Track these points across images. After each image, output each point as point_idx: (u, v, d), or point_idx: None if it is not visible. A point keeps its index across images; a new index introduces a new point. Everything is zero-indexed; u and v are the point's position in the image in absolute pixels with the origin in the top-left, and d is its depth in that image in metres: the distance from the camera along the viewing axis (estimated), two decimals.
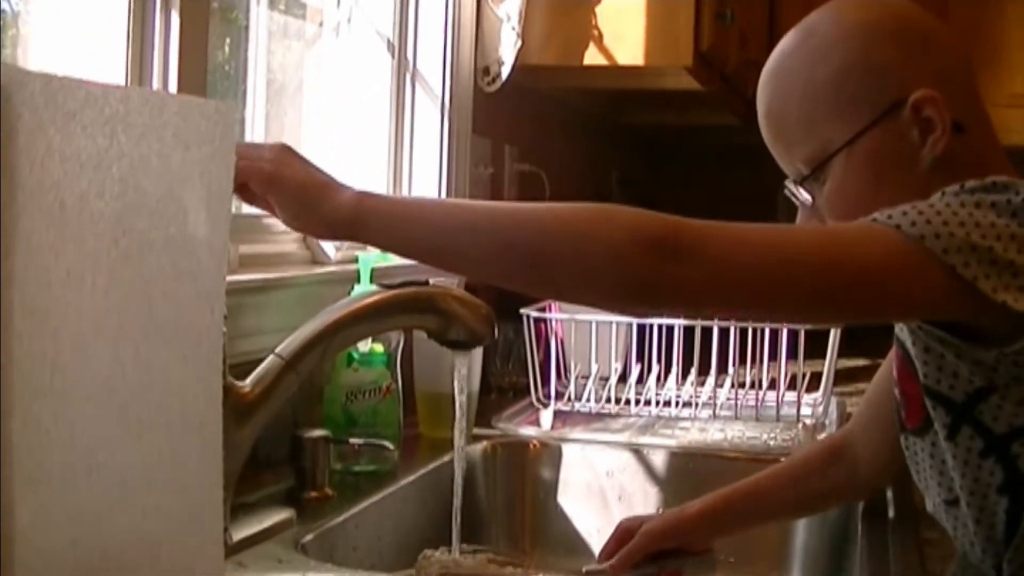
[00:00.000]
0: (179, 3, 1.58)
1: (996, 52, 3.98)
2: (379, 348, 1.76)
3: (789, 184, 1.40)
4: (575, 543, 1.97)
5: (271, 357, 1.35)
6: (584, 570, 1.62)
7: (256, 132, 2.03)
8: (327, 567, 1.32)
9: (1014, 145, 3.72)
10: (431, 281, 1.44)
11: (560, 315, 2.21)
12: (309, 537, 1.43)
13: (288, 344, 1.36)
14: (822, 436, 2.03)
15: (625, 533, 1.64)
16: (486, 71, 2.49)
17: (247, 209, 1.93)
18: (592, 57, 2.51)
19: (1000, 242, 1.14)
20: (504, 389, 2.39)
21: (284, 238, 1.98)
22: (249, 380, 1.34)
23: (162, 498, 0.99)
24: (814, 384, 2.24)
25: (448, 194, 2.41)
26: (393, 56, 2.36)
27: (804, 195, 1.37)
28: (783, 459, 1.82)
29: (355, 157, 2.33)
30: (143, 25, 1.57)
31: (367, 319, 1.39)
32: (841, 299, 1.17)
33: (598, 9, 2.51)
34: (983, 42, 3.99)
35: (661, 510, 1.93)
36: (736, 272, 1.12)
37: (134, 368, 0.94)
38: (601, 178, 3.92)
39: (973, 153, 1.32)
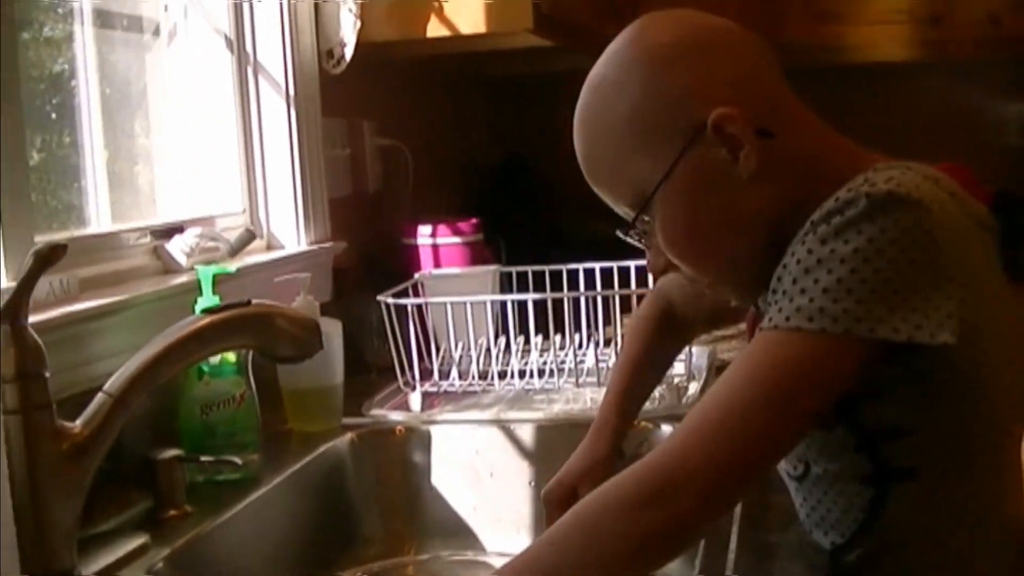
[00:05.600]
0: None
1: None
2: (230, 357, 1.77)
3: (621, 232, 1.39)
4: (452, 524, 2.00)
5: (100, 395, 1.36)
6: None
7: (96, 145, 2.03)
8: None
9: (879, 61, 3.79)
10: (253, 300, 1.45)
11: (415, 300, 2.23)
12: (160, 563, 1.44)
13: (115, 380, 1.36)
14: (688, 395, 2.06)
15: (561, 506, 1.61)
16: (330, 54, 2.49)
17: (92, 229, 1.96)
18: (435, 28, 2.52)
19: (895, 283, 1.16)
20: (383, 368, 2.40)
21: (135, 251, 1.98)
22: (79, 421, 1.34)
23: None
24: None
25: (302, 178, 2.42)
26: (233, 52, 2.35)
27: (637, 240, 1.38)
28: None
29: (206, 157, 2.34)
30: None
31: (192, 347, 1.40)
32: (803, 419, 1.20)
33: None
34: None
35: (533, 483, 1.97)
36: (710, 467, 1.16)
37: None
38: (472, 135, 3.91)
39: (791, 153, 1.31)
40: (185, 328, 1.39)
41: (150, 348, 1.38)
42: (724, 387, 1.20)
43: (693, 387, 2.13)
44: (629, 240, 1.39)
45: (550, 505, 1.64)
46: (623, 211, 1.37)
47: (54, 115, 1.99)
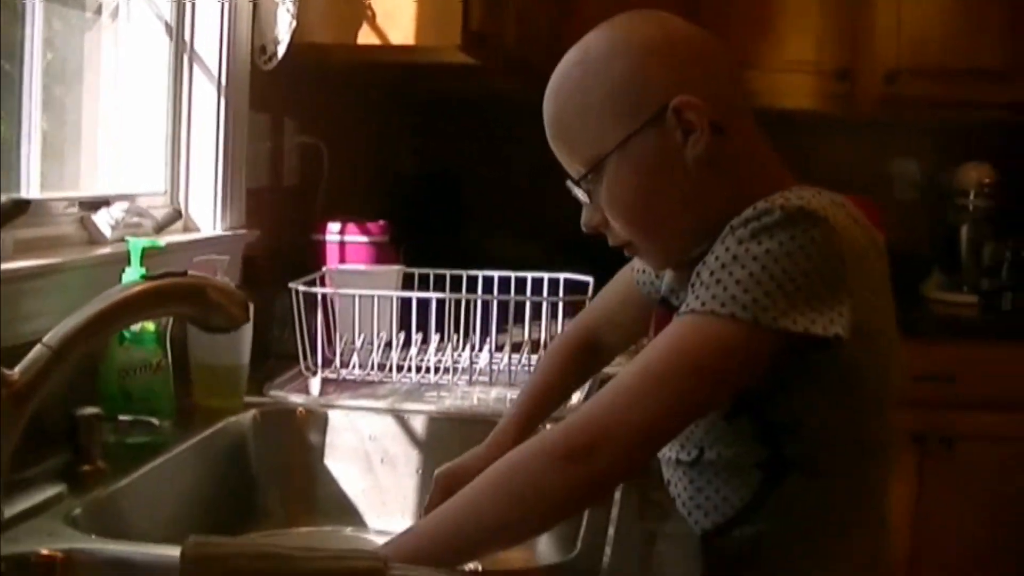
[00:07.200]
0: None
1: (772, 20, 4.18)
2: (150, 327, 1.87)
3: (570, 184, 1.58)
4: (342, 504, 2.11)
5: (39, 347, 1.45)
6: None
7: (33, 118, 2.11)
8: (91, 539, 1.43)
9: (789, 108, 3.95)
10: (189, 271, 1.55)
11: (326, 289, 2.34)
12: (79, 510, 1.53)
13: (55, 333, 1.45)
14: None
15: (449, 486, 1.74)
16: (263, 50, 2.59)
17: (25, 194, 2.04)
18: (366, 36, 2.64)
19: (799, 282, 1.35)
20: (282, 356, 2.50)
21: (62, 220, 2.07)
22: (17, 369, 1.43)
23: None
24: None
25: (225, 166, 2.52)
26: (171, 38, 2.45)
27: (583, 194, 1.56)
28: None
29: (135, 137, 2.43)
30: None
31: (132, 310, 1.49)
32: (711, 392, 1.38)
33: None
34: (761, 11, 4.18)
35: (420, 471, 2.09)
36: (630, 429, 1.32)
37: None
38: (391, 144, 4.02)
39: (734, 152, 1.52)
40: (127, 291, 1.48)
41: (91, 307, 1.46)
42: (644, 360, 1.37)
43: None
44: (576, 192, 1.57)
45: (438, 484, 1.77)
46: (575, 170, 1.56)
47: None
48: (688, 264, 1.57)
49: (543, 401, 1.92)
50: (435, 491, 1.77)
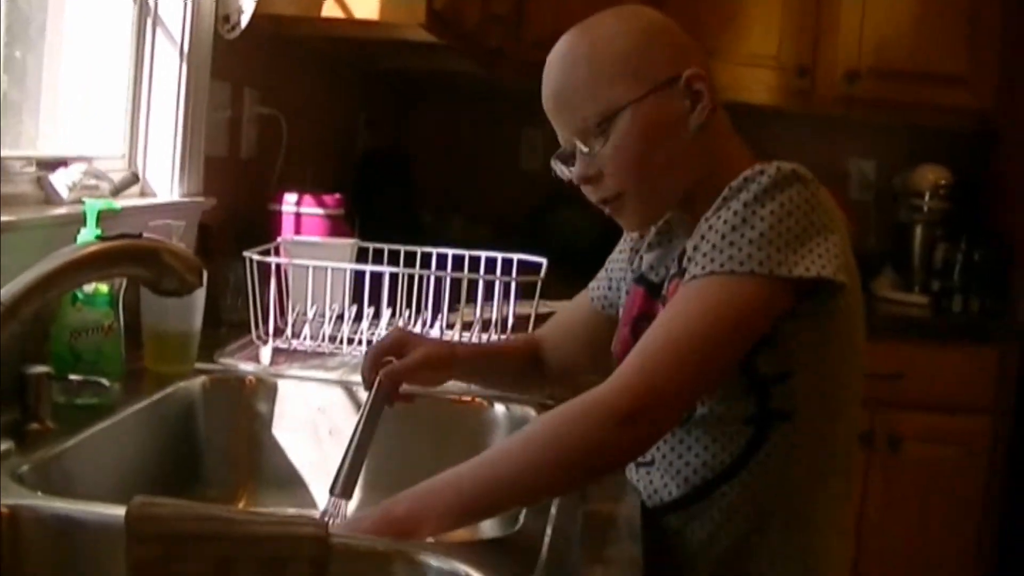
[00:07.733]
0: None
1: (735, 13, 4.21)
2: (103, 288, 1.87)
3: (576, 140, 1.66)
4: (288, 476, 2.13)
5: None
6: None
7: None
8: (37, 495, 1.43)
9: (749, 102, 3.97)
10: (144, 234, 1.56)
11: (281, 259, 2.35)
12: (25, 467, 1.54)
13: (8, 290, 1.44)
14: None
15: (400, 344, 1.86)
16: (226, 19, 2.59)
17: None
18: (330, 9, 2.64)
19: (802, 237, 1.49)
20: (234, 324, 2.50)
21: (19, 178, 2.06)
22: None
23: None
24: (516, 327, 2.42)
25: (184, 133, 2.52)
26: (135, 2, 2.44)
27: (586, 147, 1.64)
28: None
29: (95, 100, 2.42)
30: None
31: (86, 269, 1.48)
32: (743, 345, 1.51)
33: None
34: (724, 3, 4.21)
35: None
36: (680, 388, 1.44)
37: None
38: (347, 119, 4.03)
39: (722, 128, 1.68)
40: (81, 250, 1.48)
41: (45, 264, 1.46)
42: (675, 322, 1.48)
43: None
44: (578, 145, 1.66)
45: (391, 335, 1.90)
46: (579, 129, 1.65)
47: None
48: (664, 239, 1.76)
49: (490, 358, 2.04)
50: (387, 338, 1.87)
